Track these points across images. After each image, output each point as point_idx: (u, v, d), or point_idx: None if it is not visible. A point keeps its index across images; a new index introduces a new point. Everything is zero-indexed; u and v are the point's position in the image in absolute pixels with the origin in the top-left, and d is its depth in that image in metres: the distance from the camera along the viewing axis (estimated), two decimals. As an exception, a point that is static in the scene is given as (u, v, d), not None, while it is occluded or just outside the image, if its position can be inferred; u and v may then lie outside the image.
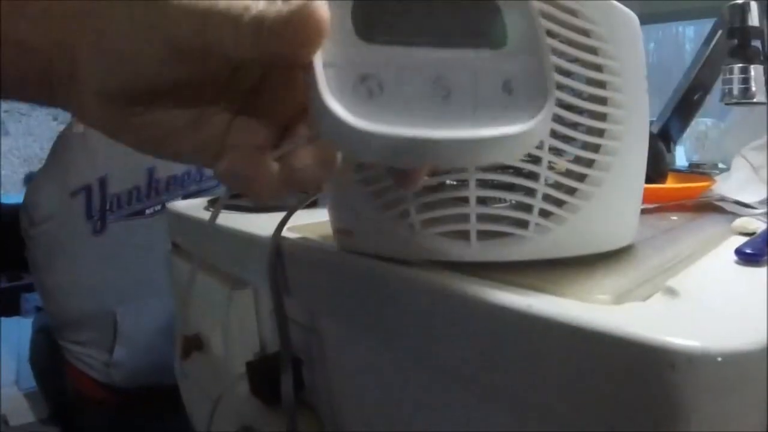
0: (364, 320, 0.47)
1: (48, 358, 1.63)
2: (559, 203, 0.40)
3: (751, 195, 0.70)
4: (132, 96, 0.31)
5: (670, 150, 0.97)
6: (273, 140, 0.33)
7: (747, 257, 0.42)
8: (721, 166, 0.96)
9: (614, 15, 0.42)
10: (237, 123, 0.34)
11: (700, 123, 0.97)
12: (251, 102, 0.34)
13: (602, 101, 0.41)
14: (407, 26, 0.30)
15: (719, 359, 0.26)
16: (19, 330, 2.15)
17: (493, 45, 0.31)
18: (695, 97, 0.92)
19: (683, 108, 0.93)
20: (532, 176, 0.40)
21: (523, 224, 0.39)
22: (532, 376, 0.33)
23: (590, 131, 0.41)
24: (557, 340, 0.31)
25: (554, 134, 0.40)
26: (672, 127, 0.95)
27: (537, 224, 0.39)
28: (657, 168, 0.75)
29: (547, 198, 0.39)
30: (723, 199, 0.68)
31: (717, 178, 0.76)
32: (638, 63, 0.43)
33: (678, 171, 0.90)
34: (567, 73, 0.40)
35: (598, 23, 0.40)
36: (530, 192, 0.40)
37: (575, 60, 0.40)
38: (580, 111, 0.41)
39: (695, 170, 0.96)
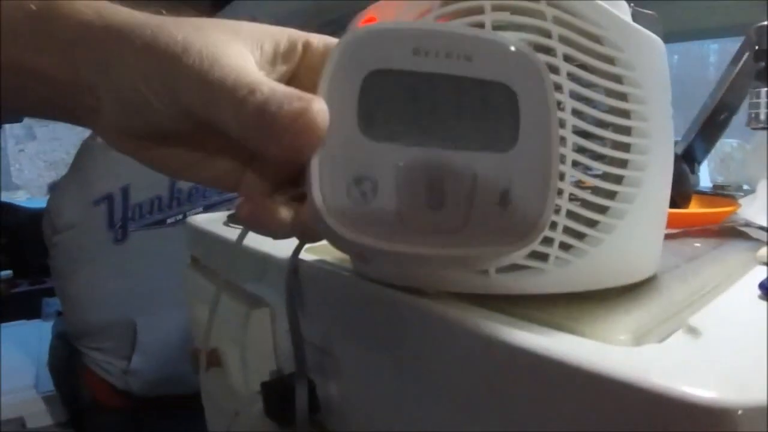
0: (377, 346, 0.47)
1: (66, 363, 1.64)
2: (580, 236, 0.39)
3: (776, 220, 0.69)
4: (147, 136, 0.33)
5: (694, 171, 0.96)
6: (288, 180, 0.35)
7: (771, 293, 0.41)
8: (745, 187, 0.94)
9: (639, 40, 0.41)
10: (251, 169, 0.35)
11: (725, 144, 0.96)
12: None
13: (626, 131, 0.40)
14: (410, 125, 0.29)
15: (739, 412, 0.25)
16: (39, 333, 2.17)
17: (500, 147, 0.30)
18: (721, 118, 0.90)
19: (708, 129, 0.91)
20: (553, 208, 0.39)
21: (543, 257, 0.39)
22: (546, 418, 0.32)
23: (613, 162, 0.40)
24: (573, 384, 0.30)
25: (575, 164, 0.39)
26: (697, 147, 0.93)
27: (557, 257, 0.39)
28: (681, 191, 0.74)
29: (567, 231, 0.39)
30: (748, 224, 0.67)
31: (742, 201, 0.74)
32: (663, 89, 0.43)
33: (702, 193, 0.89)
34: (590, 104, 0.40)
35: (623, 50, 0.40)
36: (551, 225, 0.39)
37: (598, 88, 0.40)
38: (602, 140, 0.40)
39: (720, 192, 0.95)
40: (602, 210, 0.40)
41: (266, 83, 0.29)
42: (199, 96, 0.29)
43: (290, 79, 0.35)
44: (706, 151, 0.94)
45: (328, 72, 0.29)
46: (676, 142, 0.97)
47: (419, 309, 0.41)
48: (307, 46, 0.34)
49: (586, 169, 0.40)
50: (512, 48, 0.31)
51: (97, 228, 1.47)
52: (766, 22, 0.75)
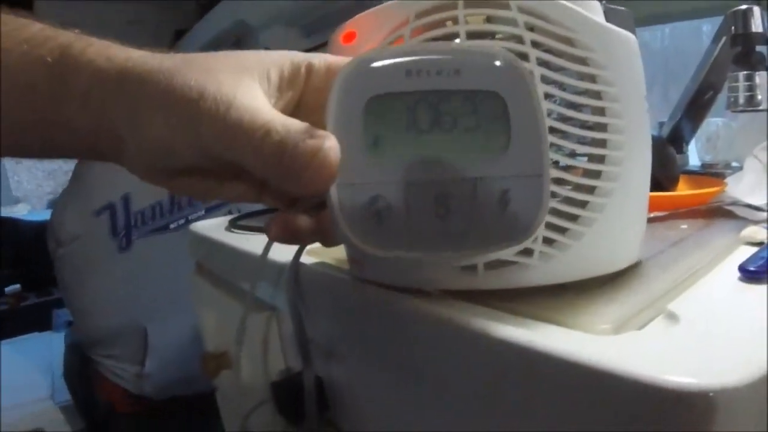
0: (378, 346, 0.49)
1: (80, 372, 1.66)
2: (562, 231, 0.41)
3: (763, 196, 0.70)
4: (171, 170, 0.35)
5: (682, 151, 0.97)
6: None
7: (750, 275, 0.42)
8: (734, 164, 0.96)
9: (610, 40, 0.42)
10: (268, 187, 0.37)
11: (711, 123, 0.97)
12: None
13: (602, 128, 0.41)
14: (412, 142, 0.32)
15: (711, 394, 0.26)
16: (51, 345, 2.19)
17: (495, 151, 0.33)
18: (705, 98, 0.92)
19: (694, 108, 0.93)
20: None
21: (528, 253, 0.40)
22: (534, 408, 0.34)
23: (591, 158, 0.42)
24: (557, 374, 0.32)
25: (555, 163, 0.41)
26: (684, 128, 0.95)
27: (541, 252, 0.40)
28: (668, 174, 0.75)
29: (549, 226, 0.40)
30: (734, 203, 0.68)
31: (729, 179, 0.76)
32: (637, 85, 0.44)
33: (691, 173, 0.90)
34: (566, 103, 0.41)
35: (594, 50, 0.41)
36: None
37: (573, 89, 0.41)
38: (579, 138, 0.42)
39: (708, 171, 0.96)
40: (582, 205, 0.41)
41: (279, 121, 0.31)
42: (218, 139, 0.31)
43: (298, 102, 0.37)
44: (693, 130, 0.96)
45: (332, 104, 0.32)
46: (662, 124, 0.99)
47: (412, 309, 0.43)
48: (309, 68, 0.36)
49: (565, 167, 0.41)
50: (496, 57, 0.33)
51: (101, 238, 1.49)
52: (742, 6, 0.76)
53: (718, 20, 0.85)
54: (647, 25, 1.27)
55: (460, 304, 0.41)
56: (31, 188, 3.70)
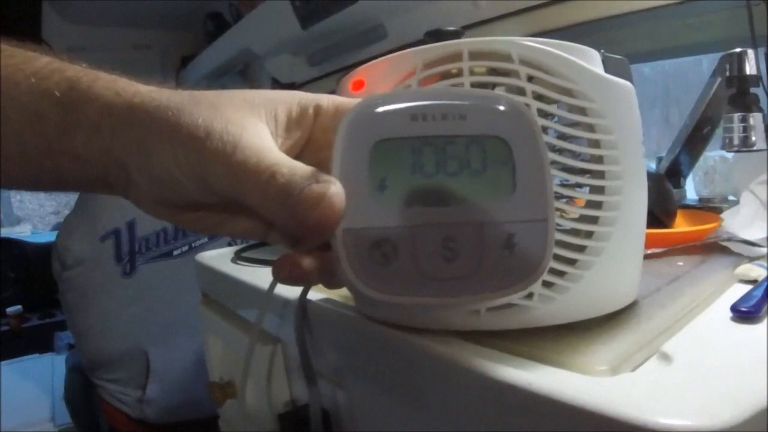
0: (383, 382, 0.50)
1: (82, 395, 1.66)
2: (561, 274, 0.42)
3: (758, 231, 0.72)
4: (179, 205, 0.36)
5: (680, 185, 0.99)
6: None
7: (742, 315, 0.44)
8: (731, 198, 0.97)
9: (609, 89, 0.44)
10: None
11: (709, 158, 0.99)
12: None
13: (600, 174, 0.43)
14: (418, 185, 0.32)
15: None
16: (53, 367, 2.20)
17: (501, 195, 0.33)
18: (703, 132, 0.93)
19: (692, 143, 0.95)
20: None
21: (529, 295, 0.42)
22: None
23: (588, 204, 0.43)
24: (554, 416, 0.34)
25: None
26: (682, 162, 0.97)
27: (541, 294, 0.42)
28: (665, 209, 0.77)
29: (549, 270, 0.41)
30: (730, 238, 0.70)
31: (725, 213, 0.77)
32: (634, 132, 0.45)
33: (688, 206, 0.92)
34: (565, 151, 0.43)
35: (594, 100, 0.42)
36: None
37: (572, 138, 0.43)
38: (578, 185, 0.43)
39: (705, 205, 0.98)
40: (581, 249, 0.43)
41: (285, 164, 0.31)
42: (224, 178, 0.31)
43: (306, 142, 0.37)
44: (691, 165, 0.98)
45: (338, 147, 0.32)
46: (660, 158, 1.00)
47: (415, 346, 0.44)
48: (317, 109, 0.37)
49: (563, 213, 0.43)
50: (501, 102, 0.34)
51: (106, 263, 1.50)
52: (737, 50, 0.78)
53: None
54: (648, 61, 1.29)
55: (462, 344, 0.42)
56: (33, 208, 3.72)
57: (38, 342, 2.49)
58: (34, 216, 3.70)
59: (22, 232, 3.27)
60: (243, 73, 2.18)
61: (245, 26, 1.88)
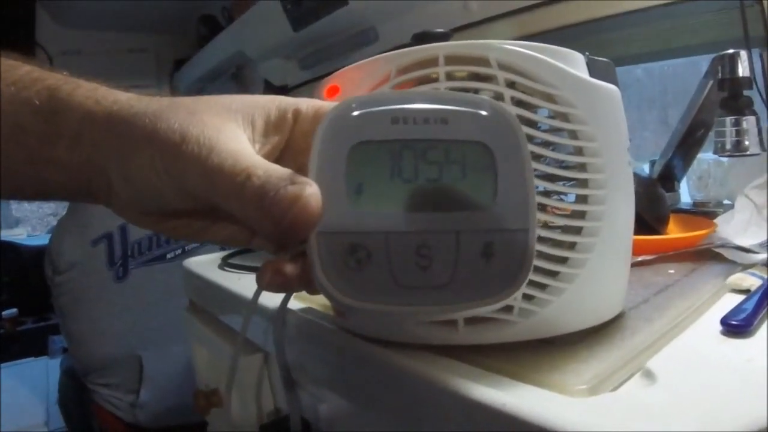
0: (360, 393, 0.49)
1: (75, 399, 1.66)
2: (542, 287, 0.41)
3: (753, 236, 0.70)
4: (160, 212, 0.35)
5: (674, 189, 0.97)
6: None
7: (731, 329, 0.42)
8: (726, 202, 0.96)
9: (593, 94, 0.42)
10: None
11: (703, 161, 0.97)
12: None
13: (583, 183, 0.41)
14: (395, 191, 0.31)
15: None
16: (47, 370, 2.19)
17: (481, 202, 0.32)
18: (696, 136, 0.92)
19: (685, 146, 0.93)
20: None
21: (508, 309, 0.40)
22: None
23: (571, 214, 0.42)
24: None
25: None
26: (675, 165, 0.95)
27: (521, 308, 0.40)
28: (657, 214, 0.75)
29: (530, 282, 0.40)
30: (723, 244, 0.68)
31: (719, 218, 0.76)
32: (619, 139, 0.44)
33: (682, 211, 0.91)
34: (547, 160, 0.42)
35: (576, 105, 0.41)
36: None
37: (554, 145, 0.41)
38: (560, 194, 0.42)
39: (699, 209, 0.96)
40: (563, 260, 0.41)
41: (261, 166, 0.31)
42: (201, 182, 0.31)
43: (285, 147, 0.37)
44: (685, 168, 0.96)
45: (315, 149, 0.31)
46: (653, 162, 0.99)
47: (389, 361, 0.43)
48: (297, 113, 0.36)
49: (545, 223, 0.41)
50: (484, 107, 0.33)
51: (98, 267, 1.49)
52: (729, 51, 0.77)
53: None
54: (642, 63, 1.28)
55: (438, 360, 0.41)
56: (32, 209, 3.71)
57: (33, 346, 2.49)
58: (33, 217, 3.69)
59: (18, 235, 3.27)
60: (236, 76, 2.17)
61: (237, 29, 1.88)
